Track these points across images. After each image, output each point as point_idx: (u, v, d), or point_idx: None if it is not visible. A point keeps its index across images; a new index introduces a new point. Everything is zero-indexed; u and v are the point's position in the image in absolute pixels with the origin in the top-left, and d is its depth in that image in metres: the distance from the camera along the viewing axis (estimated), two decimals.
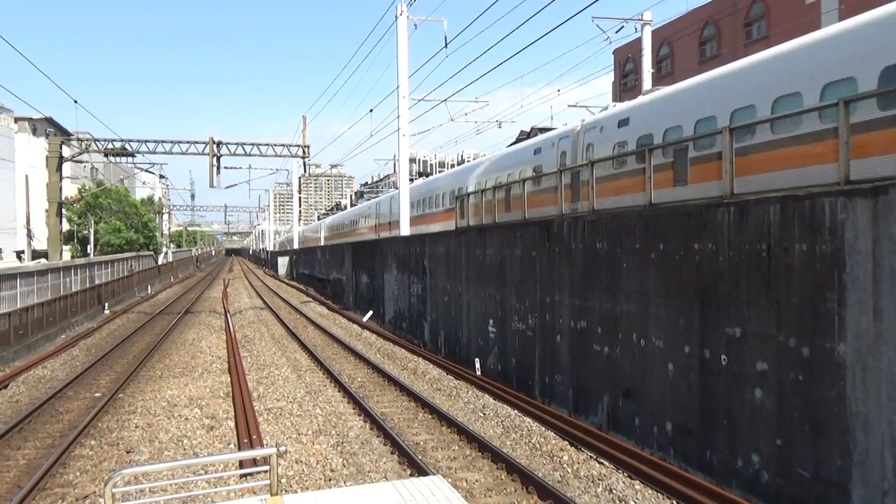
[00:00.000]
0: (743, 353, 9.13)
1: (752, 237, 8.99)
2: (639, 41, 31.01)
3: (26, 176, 54.02)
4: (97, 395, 16.74)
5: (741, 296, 9.16)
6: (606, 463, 10.81)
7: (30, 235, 50.40)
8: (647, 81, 29.65)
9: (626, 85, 52.50)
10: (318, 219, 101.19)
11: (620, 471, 10.45)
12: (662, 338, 10.78)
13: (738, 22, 40.97)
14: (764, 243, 8.80)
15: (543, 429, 12.74)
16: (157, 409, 15.00)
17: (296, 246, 78.40)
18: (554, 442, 11.99)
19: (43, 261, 37.25)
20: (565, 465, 10.84)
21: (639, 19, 29.36)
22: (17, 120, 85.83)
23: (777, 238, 8.60)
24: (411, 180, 36.39)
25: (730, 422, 9.37)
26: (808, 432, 8.17)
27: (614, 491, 9.71)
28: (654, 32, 31.50)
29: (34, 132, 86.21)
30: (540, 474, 10.20)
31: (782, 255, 8.53)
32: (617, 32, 29.02)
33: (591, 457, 11.18)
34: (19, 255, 67.66)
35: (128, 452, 12.03)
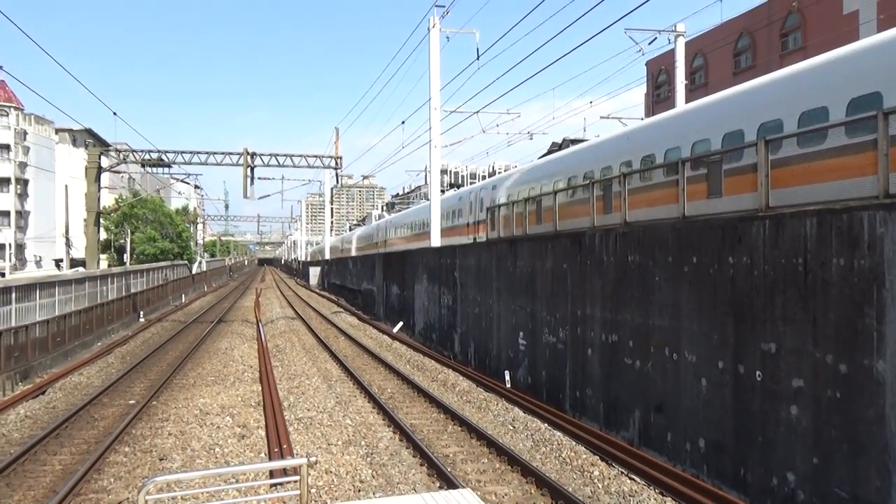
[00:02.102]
0: (778, 370, 8.97)
1: (787, 251, 8.85)
2: (672, 53, 30.79)
3: (66, 186, 55.26)
4: (131, 402, 16.98)
5: (776, 311, 9.01)
6: (638, 479, 10.68)
7: (68, 244, 51.49)
8: (680, 93, 29.42)
9: (658, 97, 52.13)
10: (350, 229, 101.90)
11: (652, 487, 10.31)
12: (695, 352, 10.64)
13: (773, 33, 40.47)
14: (800, 257, 8.65)
15: (574, 443, 12.63)
16: (190, 417, 15.17)
17: (327, 256, 78.93)
18: (584, 457, 11.87)
19: (80, 269, 38.00)
20: (596, 481, 10.73)
21: (672, 31, 29.19)
22: (57, 131, 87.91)
23: (814, 252, 8.46)
24: (443, 191, 36.48)
25: (765, 439, 9.20)
26: (845, 451, 7.99)
27: None
28: (687, 44, 31.29)
29: (74, 143, 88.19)
30: (570, 489, 10.10)
31: (819, 269, 8.38)
32: (650, 44, 28.91)
33: (622, 472, 11.04)
34: (58, 263, 69.08)
35: (161, 460, 12.17)
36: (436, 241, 28.37)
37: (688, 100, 31.87)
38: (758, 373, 9.31)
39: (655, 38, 28.93)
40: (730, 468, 9.86)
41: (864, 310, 7.77)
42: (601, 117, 34.10)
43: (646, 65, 52.58)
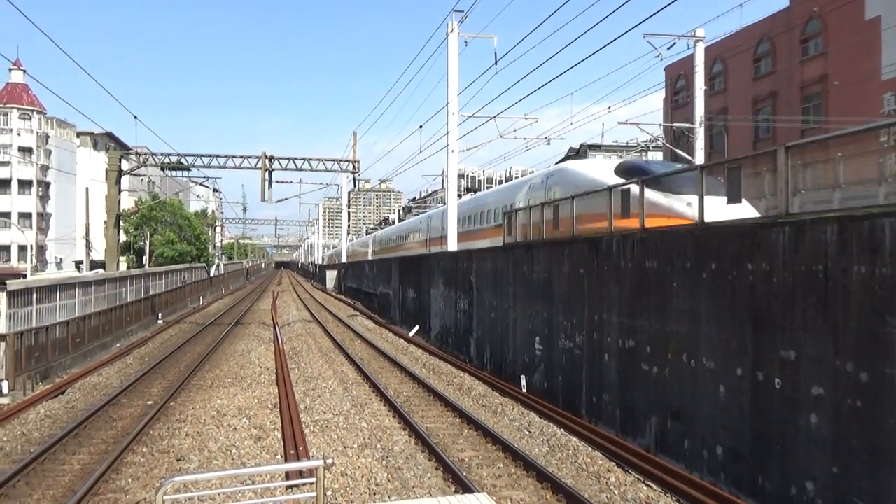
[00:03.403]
0: (797, 377, 8.89)
1: (808, 258, 8.78)
2: (691, 58, 30.64)
3: (86, 188, 55.87)
4: (149, 403, 17.11)
5: (796, 318, 8.94)
6: (654, 486, 10.61)
7: (88, 246, 51.95)
8: (699, 99, 29.27)
9: (677, 102, 51.88)
10: (367, 233, 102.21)
11: (669, 494, 10.25)
12: (713, 359, 10.56)
13: (794, 39, 40.17)
14: (820, 264, 8.58)
15: (590, 449, 12.58)
16: (207, 418, 15.26)
17: (344, 260, 79.13)
18: (601, 462, 11.82)
19: (100, 271, 38.36)
20: (612, 487, 10.67)
21: (691, 36, 29.05)
22: (79, 134, 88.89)
23: (834, 259, 8.38)
24: (459, 196, 36.58)
25: (783, 447, 9.12)
26: (866, 461, 7.90)
27: None
28: (707, 49, 31.11)
29: (95, 146, 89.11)
30: (586, 495, 10.06)
31: (840, 276, 8.30)
32: (669, 49, 28.79)
33: (638, 479, 10.99)
34: (78, 265, 69.81)
35: (178, 460, 12.25)
36: (452, 245, 28.38)
37: (707, 106, 31.77)
38: (777, 380, 9.23)
39: (674, 43, 28.83)
40: (747, 476, 9.77)
41: (886, 318, 7.68)
42: (619, 123, 34.07)
43: (664, 70, 52.33)
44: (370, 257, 64.31)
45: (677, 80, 51.25)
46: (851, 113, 31.05)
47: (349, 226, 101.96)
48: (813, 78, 38.83)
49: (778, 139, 38.47)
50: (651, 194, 13.98)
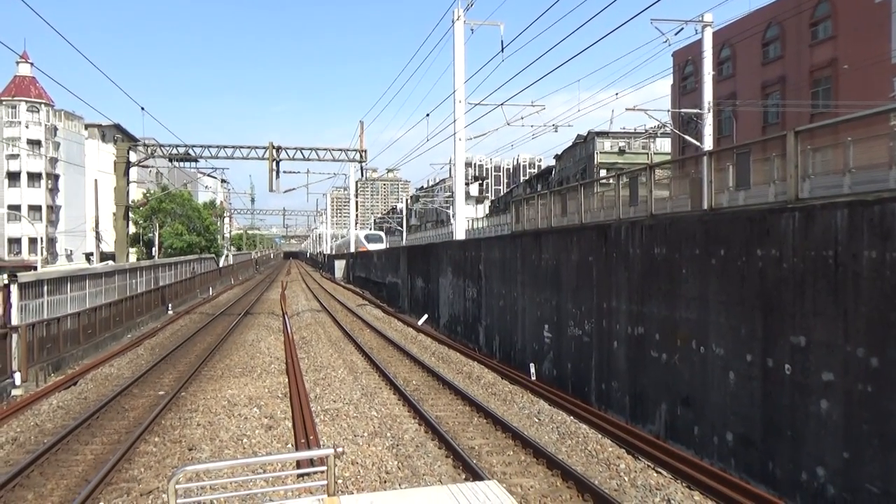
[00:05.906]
0: (808, 363, 8.87)
1: (818, 243, 8.73)
2: (699, 43, 30.41)
3: (95, 180, 56.02)
4: (161, 393, 17.22)
5: (806, 304, 8.90)
6: (664, 472, 10.63)
7: (98, 238, 52.14)
8: (707, 84, 29.06)
9: (685, 88, 51.55)
10: (374, 222, 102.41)
11: (679, 481, 10.26)
12: (723, 345, 10.55)
13: (803, 22, 39.81)
14: (830, 250, 8.53)
15: (600, 436, 12.60)
16: (218, 407, 15.34)
17: (352, 249, 79.28)
18: (610, 449, 11.84)
19: (110, 262, 38.55)
20: (622, 474, 10.69)
21: (699, 21, 28.82)
22: (87, 126, 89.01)
23: (845, 245, 8.33)
24: (467, 184, 36.58)
25: (794, 433, 9.11)
26: (876, 446, 7.88)
27: (672, 501, 9.54)
28: (715, 34, 30.86)
29: (103, 138, 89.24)
30: (596, 482, 10.08)
31: (850, 262, 8.26)
32: (676, 34, 28.57)
33: (648, 466, 11.00)
34: (88, 256, 70.12)
35: (190, 450, 12.34)
36: (460, 233, 28.39)
37: (715, 91, 31.56)
38: (787, 366, 9.21)
39: (682, 28, 28.59)
40: (758, 462, 9.78)
41: None
42: (627, 109, 33.84)
43: (672, 56, 52.03)
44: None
45: (685, 66, 50.93)
46: (861, 97, 30.80)
47: (357, 215, 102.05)
48: (822, 62, 38.52)
49: (787, 124, 38.21)
50: (364, 242, 73.17)
